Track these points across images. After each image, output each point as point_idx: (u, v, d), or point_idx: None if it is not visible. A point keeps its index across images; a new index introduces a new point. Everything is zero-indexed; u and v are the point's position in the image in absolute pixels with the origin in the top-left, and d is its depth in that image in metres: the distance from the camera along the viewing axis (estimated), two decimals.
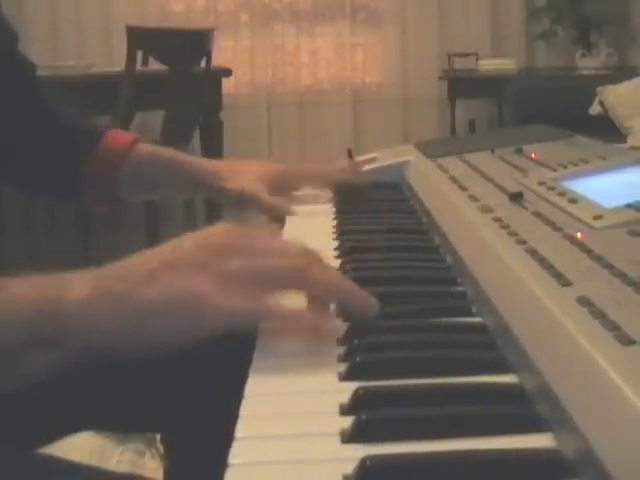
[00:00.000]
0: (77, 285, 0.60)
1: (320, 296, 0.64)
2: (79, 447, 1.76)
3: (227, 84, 4.17)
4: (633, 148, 3.07)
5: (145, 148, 1.13)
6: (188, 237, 0.64)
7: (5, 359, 0.60)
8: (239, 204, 1.10)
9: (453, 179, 0.99)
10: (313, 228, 1.01)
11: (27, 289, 0.61)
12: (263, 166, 1.16)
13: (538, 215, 0.77)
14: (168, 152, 1.16)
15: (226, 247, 0.62)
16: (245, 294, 0.60)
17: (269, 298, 0.61)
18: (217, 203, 1.62)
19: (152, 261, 0.61)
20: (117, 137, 1.12)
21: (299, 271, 0.62)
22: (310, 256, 0.64)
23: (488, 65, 4.52)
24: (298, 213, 1.07)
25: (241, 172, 1.12)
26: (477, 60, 4.57)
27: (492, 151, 1.14)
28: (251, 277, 0.61)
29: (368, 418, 0.49)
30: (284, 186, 1.14)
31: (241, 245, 0.63)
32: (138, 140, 1.12)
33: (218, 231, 0.65)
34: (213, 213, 3.48)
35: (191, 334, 0.60)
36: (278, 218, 1.08)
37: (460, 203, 0.88)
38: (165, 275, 0.60)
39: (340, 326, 0.64)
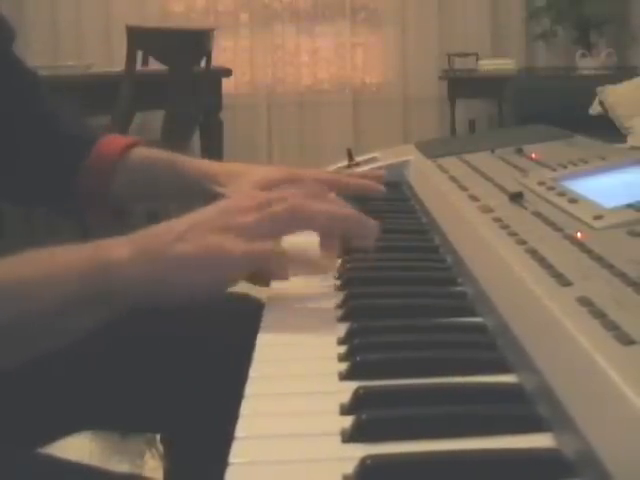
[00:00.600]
0: (117, 247, 0.67)
1: (329, 229, 0.74)
2: (79, 447, 1.76)
3: (227, 84, 4.17)
4: (633, 148, 3.07)
5: (141, 152, 1.08)
6: (210, 206, 0.73)
7: (56, 319, 0.66)
8: None
9: (453, 179, 0.99)
10: None
11: (71, 254, 0.68)
12: (265, 171, 1.10)
13: (538, 215, 0.77)
14: (165, 155, 1.11)
15: (242, 207, 0.71)
16: (264, 240, 0.69)
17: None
18: None
19: (179, 225, 0.70)
20: (111, 142, 1.08)
21: (301, 210, 0.72)
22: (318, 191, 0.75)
23: (488, 65, 4.52)
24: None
25: (240, 177, 1.08)
26: (477, 60, 4.57)
27: (492, 151, 1.14)
28: (263, 225, 0.70)
29: (368, 418, 0.49)
30: None
31: (253, 202, 0.72)
32: (135, 143, 1.08)
33: (238, 197, 0.76)
34: None
35: (218, 281, 0.70)
36: None
37: (460, 203, 0.88)
38: (193, 235, 0.68)
39: (340, 327, 0.64)
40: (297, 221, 0.73)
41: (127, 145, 1.07)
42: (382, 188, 1.00)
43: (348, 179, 1.01)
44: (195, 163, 1.10)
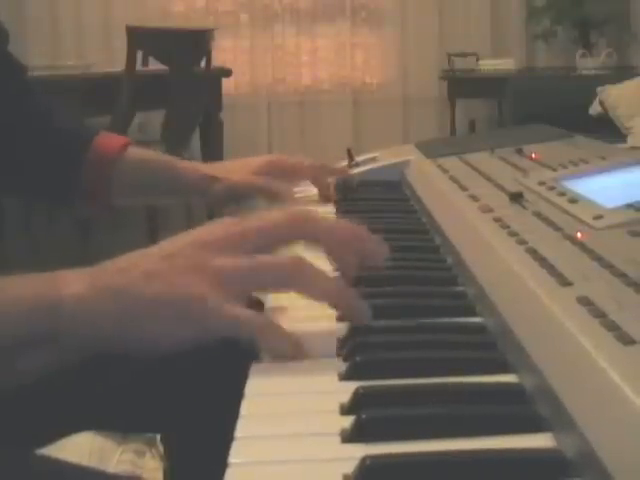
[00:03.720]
0: (74, 281, 0.59)
1: (317, 298, 0.63)
2: (79, 447, 1.76)
3: (227, 84, 4.17)
4: (633, 148, 3.07)
5: (136, 151, 1.10)
6: (187, 235, 0.64)
7: (2, 357, 0.59)
8: (233, 197, 1.08)
9: (453, 179, 0.99)
10: None
11: (23, 287, 0.60)
12: (257, 160, 1.14)
13: (538, 215, 0.77)
14: (159, 156, 1.13)
15: (225, 245, 0.62)
16: (244, 295, 0.60)
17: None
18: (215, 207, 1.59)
19: (151, 258, 0.61)
20: (108, 140, 1.09)
21: (298, 271, 0.61)
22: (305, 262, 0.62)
23: (488, 65, 4.52)
24: (296, 195, 1.07)
25: (234, 169, 1.11)
26: (477, 60, 4.57)
27: (492, 151, 1.14)
28: (250, 276, 0.60)
29: (368, 418, 0.49)
30: (281, 177, 1.13)
31: (239, 242, 0.62)
32: (129, 143, 1.09)
33: (217, 229, 0.64)
34: (213, 213, 3.48)
35: (190, 335, 0.59)
36: (280, 201, 1.05)
37: (460, 203, 0.88)
38: (164, 273, 0.59)
39: (340, 327, 0.64)
40: (293, 283, 0.62)
41: (125, 143, 1.08)
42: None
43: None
44: (190, 164, 1.10)
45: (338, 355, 0.60)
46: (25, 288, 0.60)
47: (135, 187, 1.12)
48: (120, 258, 0.62)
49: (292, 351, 0.59)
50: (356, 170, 1.23)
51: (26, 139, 1.07)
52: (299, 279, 0.61)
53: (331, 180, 1.14)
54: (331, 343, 0.61)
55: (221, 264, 0.60)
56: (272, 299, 0.70)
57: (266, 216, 0.64)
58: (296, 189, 1.16)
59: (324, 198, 1.12)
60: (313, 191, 1.16)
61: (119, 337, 0.59)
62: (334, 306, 0.64)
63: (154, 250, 0.62)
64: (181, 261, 0.60)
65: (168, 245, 0.63)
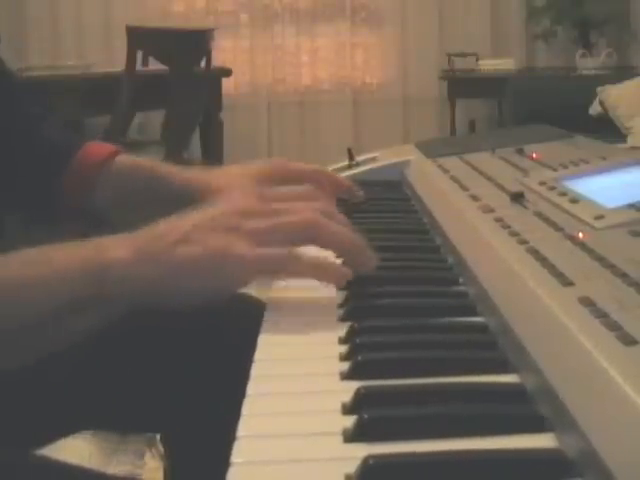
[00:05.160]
0: (118, 247, 0.65)
1: (333, 248, 0.71)
2: (79, 448, 1.76)
3: (227, 84, 4.17)
4: (633, 148, 3.07)
5: (124, 160, 1.02)
6: (214, 204, 0.70)
7: (52, 322, 0.64)
8: None
9: (454, 179, 0.99)
10: None
11: (70, 254, 0.65)
12: (257, 167, 1.07)
13: (539, 215, 0.77)
14: (148, 163, 1.04)
15: (251, 210, 0.68)
16: (268, 247, 0.66)
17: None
18: None
19: (184, 224, 0.66)
20: (93, 150, 1.01)
21: (316, 226, 0.69)
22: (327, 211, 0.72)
23: (488, 65, 4.52)
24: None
25: (233, 177, 1.04)
26: (477, 60, 4.57)
27: (493, 151, 1.14)
28: (271, 233, 0.67)
29: (370, 417, 0.49)
30: (282, 183, 1.11)
31: (264, 207, 0.69)
32: (117, 152, 1.02)
33: (241, 196, 0.73)
34: None
35: (223, 285, 0.67)
36: None
37: (461, 203, 0.88)
38: (194, 236, 0.65)
39: (340, 326, 0.64)
40: (311, 236, 0.70)
41: (110, 153, 1.01)
42: (360, 194, 1.02)
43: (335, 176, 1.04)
44: (180, 171, 1.02)
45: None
46: (72, 255, 0.65)
47: (121, 198, 1.03)
48: (157, 224, 0.68)
49: (312, 273, 0.69)
50: (357, 170, 1.22)
51: (9, 146, 1.00)
52: (314, 236, 0.69)
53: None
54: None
55: (245, 225, 0.67)
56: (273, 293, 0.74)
57: (283, 214, 0.69)
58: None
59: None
60: None
61: (161, 294, 0.66)
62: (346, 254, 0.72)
63: (187, 217, 0.68)
64: (212, 225, 0.66)
65: (199, 213, 0.69)
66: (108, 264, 0.64)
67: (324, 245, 0.71)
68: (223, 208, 0.69)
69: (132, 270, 0.64)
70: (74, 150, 1.01)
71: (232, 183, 0.97)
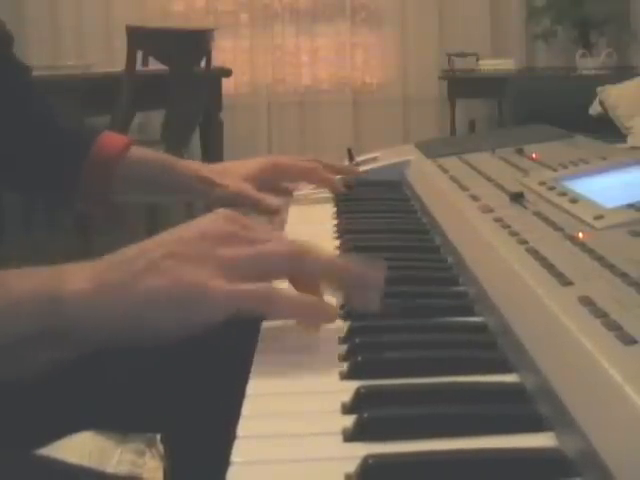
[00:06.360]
0: (76, 277, 0.59)
1: (319, 280, 0.64)
2: (79, 447, 1.76)
3: (227, 84, 4.17)
4: (633, 148, 3.07)
5: (137, 151, 1.13)
6: (187, 226, 0.64)
7: (6, 355, 0.59)
8: (227, 205, 1.10)
9: (454, 179, 1.00)
10: (314, 228, 1.01)
11: (25, 283, 0.60)
12: (253, 163, 1.16)
13: (539, 215, 0.77)
14: (159, 156, 1.16)
15: (225, 235, 0.62)
16: (245, 281, 0.59)
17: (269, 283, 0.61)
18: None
19: (151, 251, 0.60)
20: (111, 139, 1.11)
21: (298, 256, 0.61)
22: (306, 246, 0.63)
23: (488, 65, 4.52)
24: (283, 209, 1.08)
25: (229, 173, 1.13)
26: (477, 60, 4.57)
27: (492, 151, 1.14)
28: (251, 264, 0.60)
29: (370, 417, 0.49)
30: (276, 179, 1.15)
31: (239, 233, 0.62)
32: (131, 143, 1.12)
33: (217, 219, 0.64)
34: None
35: (193, 323, 0.59)
36: (267, 213, 1.08)
37: (461, 203, 0.88)
38: (164, 265, 0.59)
39: (341, 326, 0.64)
40: (296, 269, 0.62)
41: (126, 144, 1.11)
42: (342, 189, 1.07)
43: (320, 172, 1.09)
44: (189, 164, 1.12)
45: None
46: (27, 284, 0.59)
47: (135, 186, 1.15)
48: (121, 251, 0.62)
49: (298, 312, 0.61)
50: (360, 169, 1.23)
51: (28, 139, 1.09)
52: (299, 266, 0.62)
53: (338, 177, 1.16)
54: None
55: (221, 254, 0.60)
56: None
57: (266, 244, 0.62)
58: (297, 191, 1.17)
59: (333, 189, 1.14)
60: (313, 191, 1.16)
61: (124, 331, 0.59)
62: (340, 285, 0.64)
63: (155, 242, 0.62)
64: (181, 252, 0.60)
65: (168, 237, 0.63)
66: (62, 296, 0.58)
67: (313, 278, 0.63)
68: (199, 230, 0.63)
69: (90, 303, 0.58)
70: (91, 140, 1.10)
71: (230, 176, 1.05)
